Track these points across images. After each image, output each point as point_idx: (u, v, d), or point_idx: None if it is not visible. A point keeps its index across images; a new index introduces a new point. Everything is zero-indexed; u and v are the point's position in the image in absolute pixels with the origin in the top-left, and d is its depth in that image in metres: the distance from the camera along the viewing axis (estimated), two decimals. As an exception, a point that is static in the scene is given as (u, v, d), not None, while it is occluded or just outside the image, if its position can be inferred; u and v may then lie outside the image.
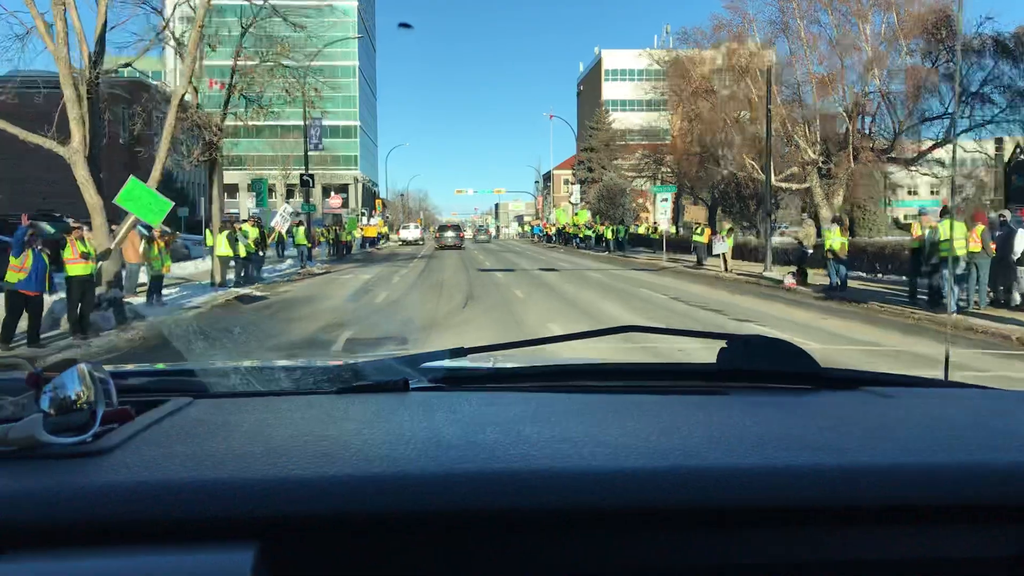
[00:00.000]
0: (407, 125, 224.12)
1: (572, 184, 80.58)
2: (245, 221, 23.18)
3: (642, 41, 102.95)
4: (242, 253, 19.99)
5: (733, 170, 33.70)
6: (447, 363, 1.50)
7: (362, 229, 51.35)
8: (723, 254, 24.63)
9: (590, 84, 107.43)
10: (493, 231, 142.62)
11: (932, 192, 62.89)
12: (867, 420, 1.19)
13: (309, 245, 28.74)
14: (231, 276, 19.96)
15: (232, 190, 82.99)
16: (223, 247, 19.30)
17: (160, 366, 1.81)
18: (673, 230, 33.66)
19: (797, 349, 1.42)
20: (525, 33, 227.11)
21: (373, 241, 53.48)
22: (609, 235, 42.26)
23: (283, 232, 29.34)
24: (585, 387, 1.43)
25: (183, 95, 15.30)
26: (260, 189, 40.70)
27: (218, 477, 0.89)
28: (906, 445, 1.04)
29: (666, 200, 30.87)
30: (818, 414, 1.23)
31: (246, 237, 20.40)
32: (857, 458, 0.97)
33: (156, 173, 13.99)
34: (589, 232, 48.54)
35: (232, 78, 20.77)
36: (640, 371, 1.65)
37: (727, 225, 30.82)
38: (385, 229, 65.24)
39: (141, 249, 15.71)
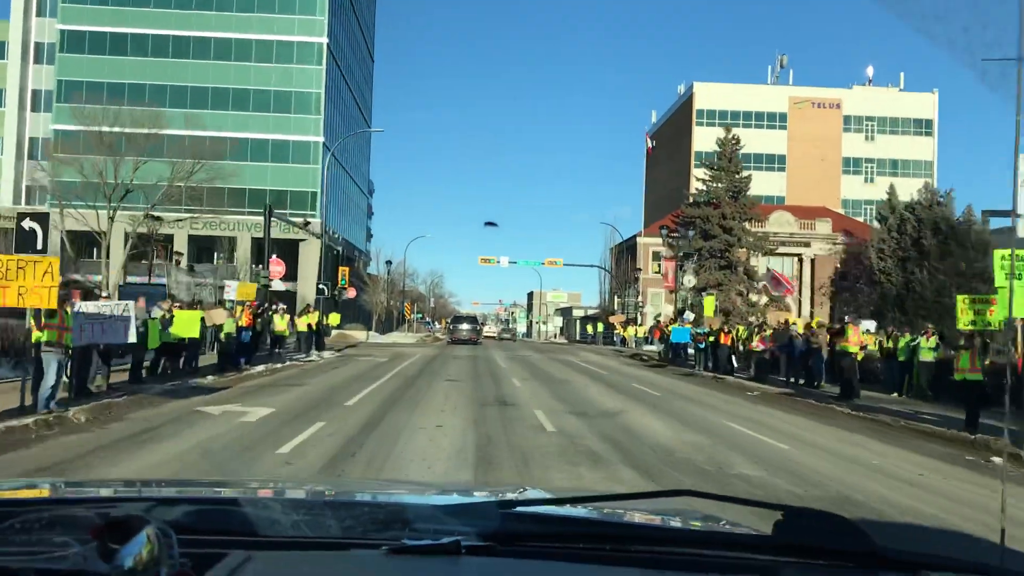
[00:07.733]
0: (409, 179, 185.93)
1: (668, 259, 48.79)
2: None
3: (739, 79, 73.32)
4: None
5: None
6: (498, 512, 1.48)
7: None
8: None
9: (669, 133, 77.89)
10: (524, 328, 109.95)
11: None
12: None
13: None
14: None
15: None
16: None
17: (203, 491, 1.99)
18: None
19: (853, 526, 1.38)
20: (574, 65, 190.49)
21: (180, 349, 17.55)
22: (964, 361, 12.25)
23: None
24: (644, 555, 1.42)
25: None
26: None
27: None
28: None
29: None
30: None
31: None
32: None
33: None
34: (851, 348, 17.67)
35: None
36: (698, 539, 1.63)
37: None
38: (242, 321, 22.58)
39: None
